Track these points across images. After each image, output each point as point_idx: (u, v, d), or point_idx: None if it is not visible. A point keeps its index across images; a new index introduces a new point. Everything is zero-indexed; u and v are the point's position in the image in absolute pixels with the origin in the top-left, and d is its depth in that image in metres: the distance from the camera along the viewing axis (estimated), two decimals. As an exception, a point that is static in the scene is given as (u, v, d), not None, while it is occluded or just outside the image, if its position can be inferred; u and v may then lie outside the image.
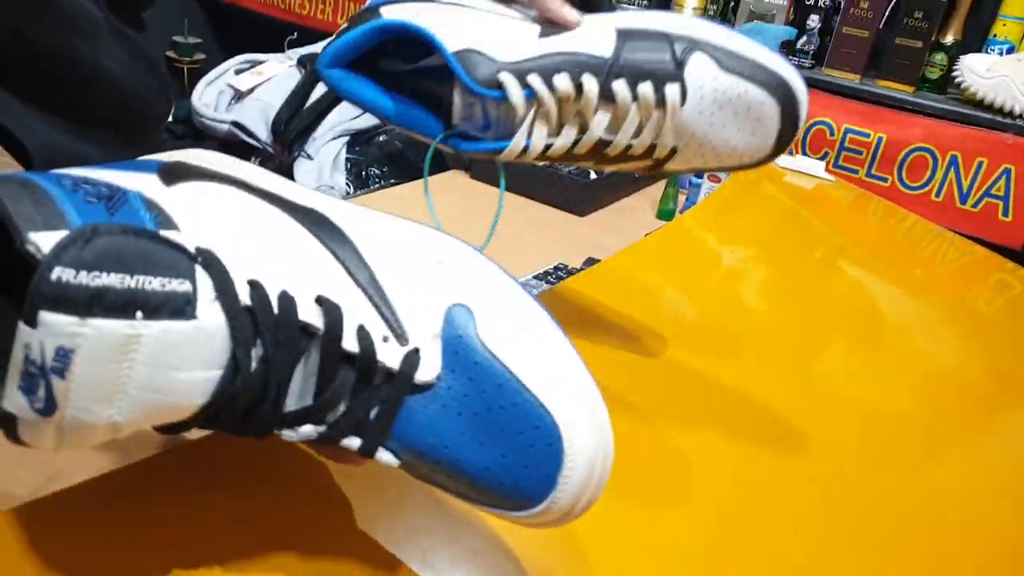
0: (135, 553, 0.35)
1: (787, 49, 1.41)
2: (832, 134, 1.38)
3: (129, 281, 0.26)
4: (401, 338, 0.31)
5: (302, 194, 0.34)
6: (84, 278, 0.25)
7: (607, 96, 0.43)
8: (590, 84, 0.42)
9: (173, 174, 0.32)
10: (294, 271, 0.31)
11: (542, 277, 0.87)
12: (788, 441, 0.54)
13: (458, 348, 0.31)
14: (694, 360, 0.61)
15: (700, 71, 0.43)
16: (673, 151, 0.45)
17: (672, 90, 0.43)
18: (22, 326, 0.25)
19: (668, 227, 0.95)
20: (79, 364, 0.25)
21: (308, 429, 0.31)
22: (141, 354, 0.26)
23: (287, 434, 0.31)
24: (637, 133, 0.44)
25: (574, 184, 1.11)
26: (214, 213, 0.31)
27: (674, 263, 0.81)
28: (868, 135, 1.35)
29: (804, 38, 1.40)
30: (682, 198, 1.19)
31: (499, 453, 0.31)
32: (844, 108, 1.38)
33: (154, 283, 0.26)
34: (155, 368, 0.26)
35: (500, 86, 0.42)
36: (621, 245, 0.81)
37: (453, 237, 0.36)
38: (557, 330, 0.33)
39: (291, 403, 0.30)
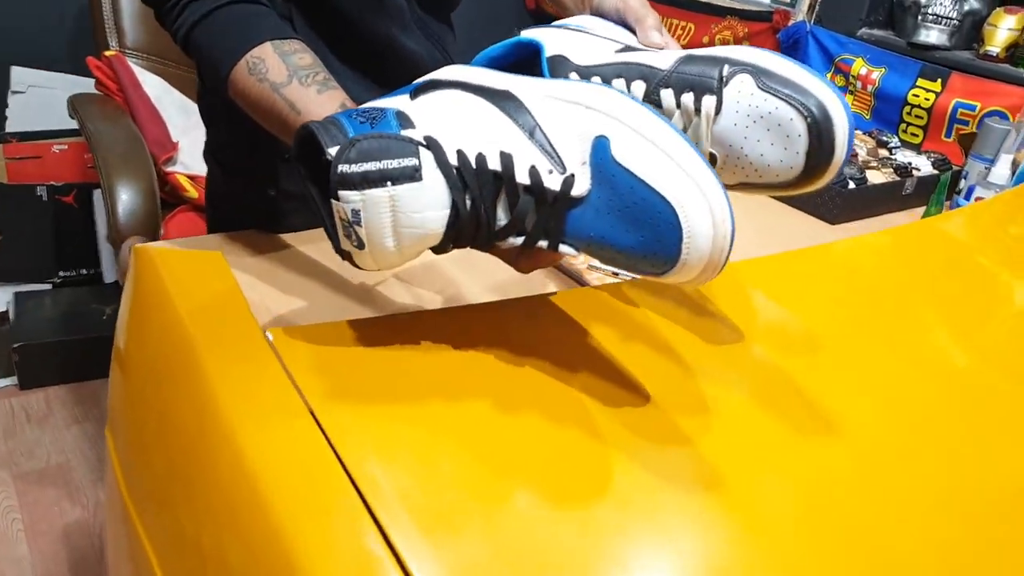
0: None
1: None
2: None
3: (379, 165, 0.45)
4: (560, 169, 0.46)
5: (498, 79, 0.50)
6: (354, 168, 0.44)
7: (654, 102, 0.51)
8: (638, 89, 0.52)
9: (417, 91, 0.49)
10: (485, 137, 0.47)
11: (765, 267, 0.90)
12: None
13: (601, 168, 0.45)
14: (887, 359, 0.62)
15: (739, 88, 0.50)
16: (713, 157, 0.51)
17: (708, 101, 0.50)
18: (332, 201, 0.46)
19: (912, 225, 0.93)
20: (367, 216, 0.45)
21: (514, 240, 0.48)
22: (397, 206, 0.45)
23: (502, 244, 0.48)
24: None
25: (828, 190, 1.11)
26: (437, 110, 0.48)
27: (906, 262, 0.79)
28: None
29: None
30: (949, 220, 1.14)
31: (639, 235, 0.44)
32: None
33: (393, 163, 0.45)
34: (407, 213, 0.46)
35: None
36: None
37: (601, 87, 0.48)
38: (681, 143, 0.44)
39: (499, 223, 0.48)
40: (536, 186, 0.46)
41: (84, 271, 2.09)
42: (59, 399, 1.87)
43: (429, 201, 0.46)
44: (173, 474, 0.51)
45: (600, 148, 0.46)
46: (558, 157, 0.47)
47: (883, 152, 1.31)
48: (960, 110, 1.45)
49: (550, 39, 0.57)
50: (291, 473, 0.42)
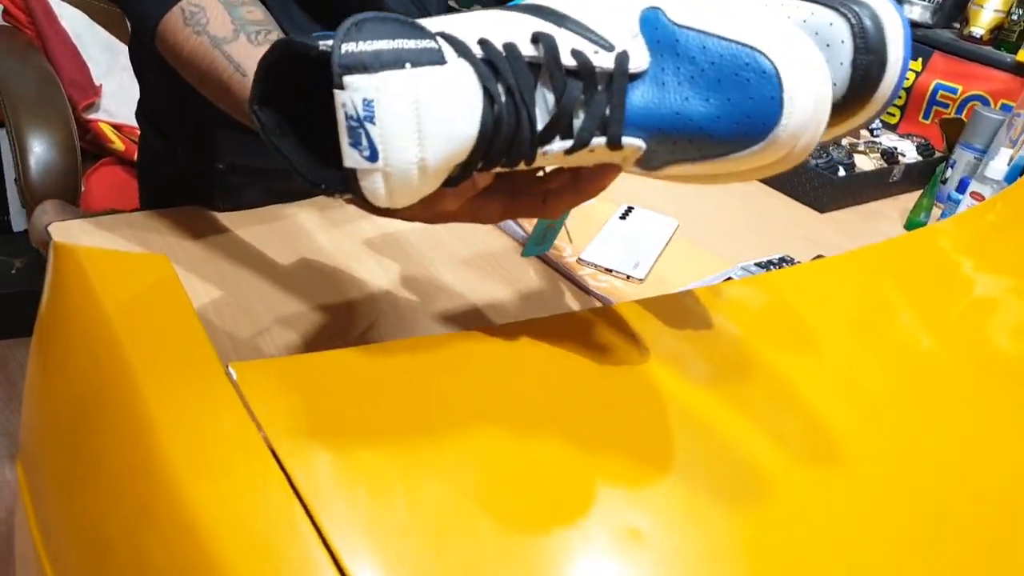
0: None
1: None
2: None
3: (393, 44, 0.34)
4: (608, 47, 0.38)
5: None
6: (364, 46, 0.34)
7: None
8: None
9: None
10: (512, 30, 0.38)
11: (763, 265, 0.84)
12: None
13: (658, 37, 0.38)
14: (892, 383, 0.57)
15: None
16: None
17: None
18: (336, 92, 0.34)
19: (913, 235, 0.88)
20: (382, 108, 0.34)
21: (559, 144, 0.38)
22: (422, 95, 0.34)
23: (546, 150, 0.38)
24: None
25: (819, 177, 1.05)
26: (454, 18, 0.39)
27: (911, 276, 0.74)
28: None
29: None
30: (937, 212, 1.09)
31: (725, 99, 0.37)
32: None
33: (410, 43, 0.34)
34: (435, 105, 0.35)
35: None
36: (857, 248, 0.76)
37: None
38: (746, 3, 0.38)
39: (540, 123, 0.38)
40: (584, 66, 0.37)
41: (-10, 219, 1.90)
42: (-36, 361, 1.71)
43: (457, 92, 0.35)
44: (102, 523, 0.41)
45: (651, 19, 0.39)
46: (601, 38, 0.38)
47: (865, 133, 1.26)
48: (941, 92, 1.40)
49: None
50: (249, 526, 0.33)
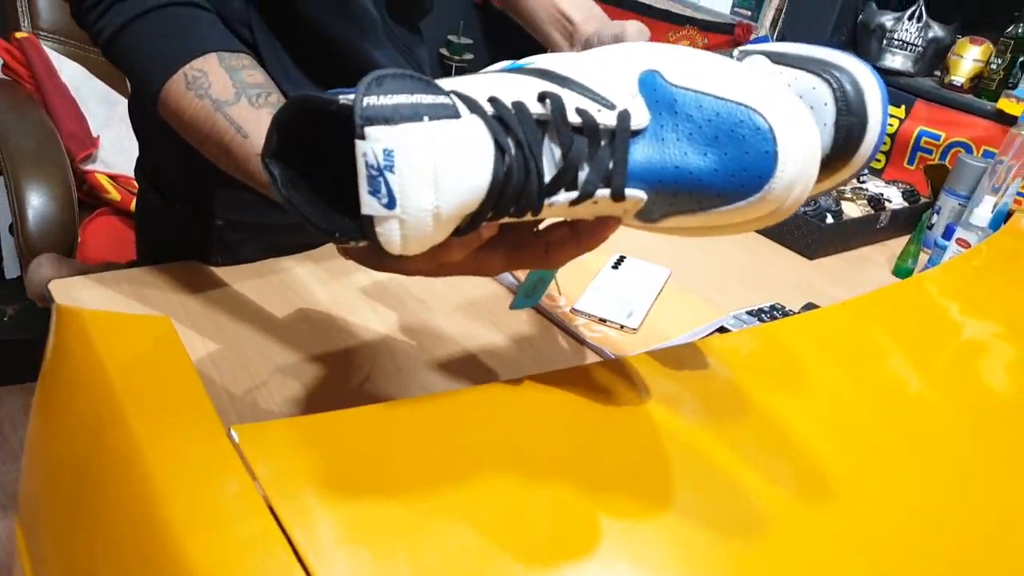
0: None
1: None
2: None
3: (411, 99, 0.36)
4: (610, 106, 0.40)
5: (532, 61, 0.45)
6: (384, 100, 0.36)
7: None
8: None
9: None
10: (519, 90, 0.40)
11: (755, 314, 0.85)
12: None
13: (657, 97, 0.41)
14: (886, 429, 0.58)
15: (752, 66, 0.47)
16: None
17: None
18: (357, 142, 0.35)
19: (902, 284, 0.89)
20: (402, 158, 0.36)
21: (564, 196, 0.40)
22: (439, 146, 0.36)
23: (552, 201, 0.40)
24: None
25: (807, 224, 1.07)
26: (464, 79, 0.40)
27: (903, 325, 0.75)
28: None
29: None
30: (924, 257, 1.11)
31: (722, 153, 0.39)
32: None
33: (427, 98, 0.36)
34: (451, 156, 0.37)
35: None
36: (847, 296, 0.77)
37: (626, 46, 0.45)
38: (736, 65, 0.41)
39: (547, 175, 0.40)
40: (589, 123, 0.40)
41: (-17, 266, 1.90)
42: (-47, 410, 1.69)
43: (471, 145, 0.37)
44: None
45: (649, 81, 0.41)
46: (603, 98, 0.41)
47: (853, 181, 1.29)
48: (924, 138, 1.43)
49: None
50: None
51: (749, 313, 0.85)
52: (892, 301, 0.80)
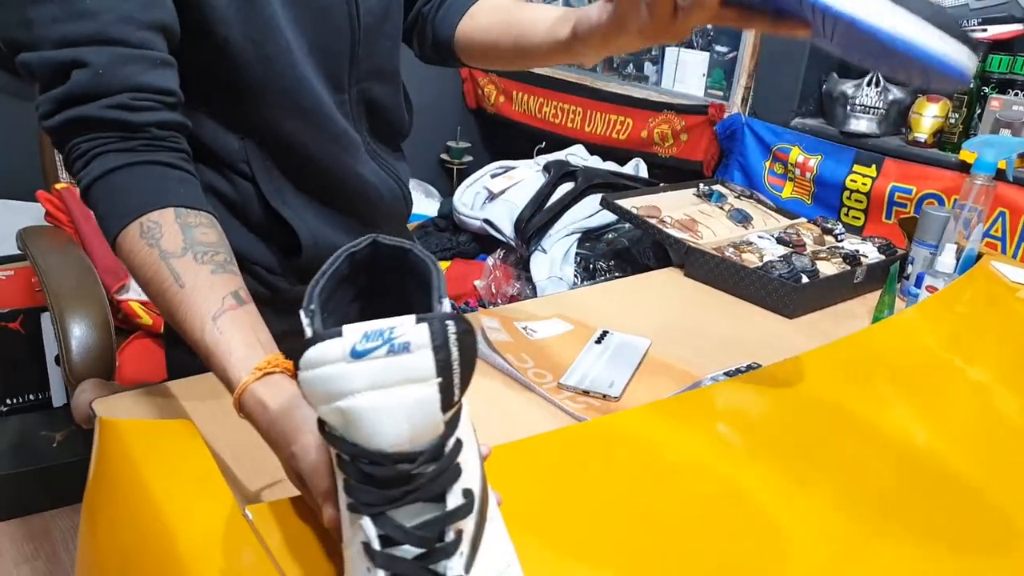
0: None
1: (1037, 158, 1.34)
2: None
3: None
4: None
5: None
6: None
7: None
8: None
9: None
10: None
11: (732, 373, 0.91)
12: None
13: None
14: (854, 473, 0.63)
15: None
16: None
17: None
18: None
19: (872, 329, 0.95)
20: None
21: None
22: None
23: None
24: None
25: (783, 287, 1.14)
26: None
27: (869, 371, 0.81)
28: None
29: (1057, 146, 1.32)
30: (901, 304, 1.17)
31: None
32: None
33: None
34: None
35: None
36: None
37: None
38: None
39: None
40: None
41: (32, 396, 2.02)
42: (8, 535, 1.77)
43: None
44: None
45: None
46: None
47: (830, 240, 1.36)
48: (897, 193, 1.51)
49: None
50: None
51: (726, 373, 0.92)
52: (847, 350, 0.86)
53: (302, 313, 0.40)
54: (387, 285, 0.47)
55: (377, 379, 0.36)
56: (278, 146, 0.75)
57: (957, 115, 1.46)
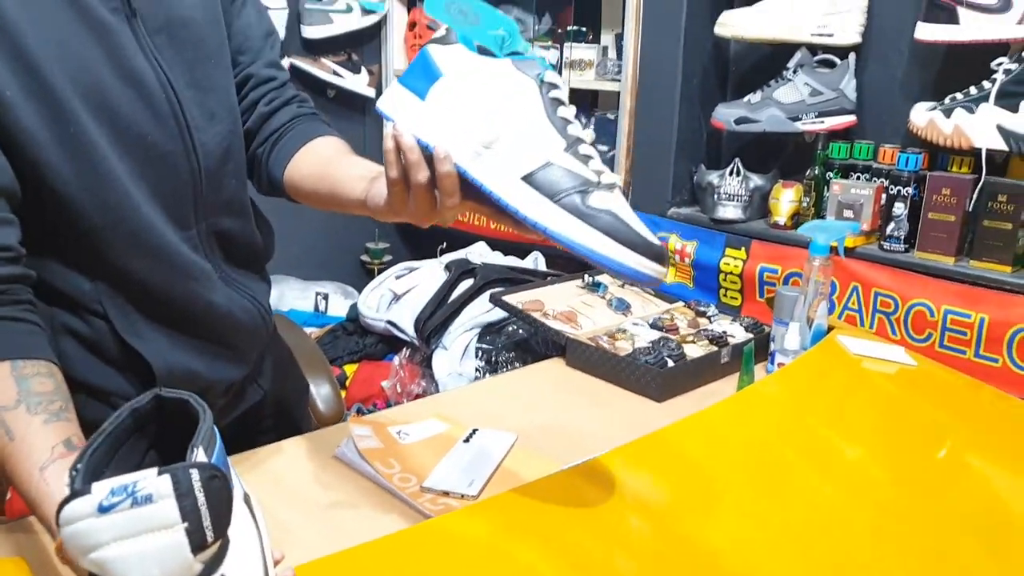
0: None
1: (878, 235, 1.47)
2: (932, 315, 1.39)
3: None
4: None
5: None
6: None
7: None
8: None
9: None
10: None
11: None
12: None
13: None
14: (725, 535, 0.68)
15: None
16: None
17: None
18: None
19: (725, 403, 1.02)
20: None
21: None
22: None
23: None
24: None
25: (649, 371, 1.21)
26: None
27: (723, 439, 0.87)
28: (970, 316, 1.35)
29: (892, 224, 1.45)
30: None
31: None
32: (942, 289, 1.39)
33: None
34: None
35: None
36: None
37: None
38: None
39: None
40: None
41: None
42: None
43: None
44: None
45: None
46: None
47: (702, 322, 1.45)
48: (766, 273, 1.62)
49: None
50: None
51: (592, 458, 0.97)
52: (721, 417, 0.93)
53: (66, 473, 0.45)
54: (174, 434, 0.51)
55: (122, 530, 0.40)
56: (129, 283, 0.78)
57: (808, 199, 1.59)
